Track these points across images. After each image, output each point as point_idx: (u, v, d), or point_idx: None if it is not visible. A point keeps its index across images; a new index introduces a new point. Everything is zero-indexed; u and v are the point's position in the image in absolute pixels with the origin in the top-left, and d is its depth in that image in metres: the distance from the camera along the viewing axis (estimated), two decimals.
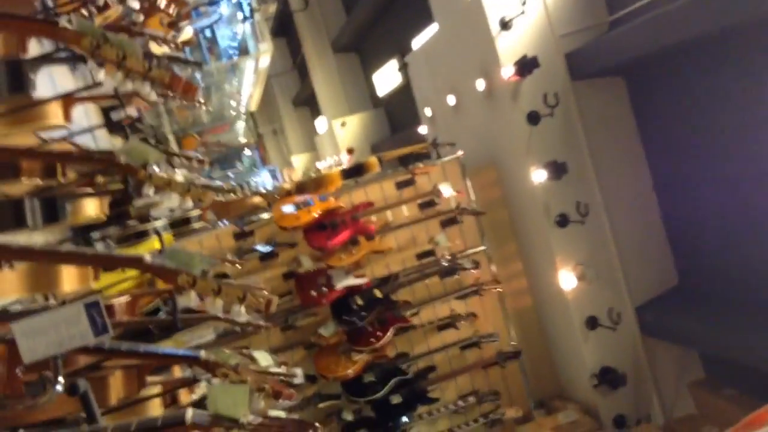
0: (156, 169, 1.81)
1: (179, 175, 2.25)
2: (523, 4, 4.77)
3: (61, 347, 1.24)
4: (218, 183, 3.00)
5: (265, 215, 4.79)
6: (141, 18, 2.67)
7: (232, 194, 3.40)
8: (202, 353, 1.54)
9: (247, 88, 15.55)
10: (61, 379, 1.46)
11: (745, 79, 4.01)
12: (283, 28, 17.56)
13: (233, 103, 17.05)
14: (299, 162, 16.97)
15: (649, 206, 5.07)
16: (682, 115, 4.61)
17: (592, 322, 4.92)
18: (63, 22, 1.33)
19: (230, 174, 17.62)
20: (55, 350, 1.24)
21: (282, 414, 2.00)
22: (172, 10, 3.20)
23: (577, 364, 5.14)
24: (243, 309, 1.35)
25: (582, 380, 5.06)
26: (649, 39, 4.14)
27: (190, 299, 1.37)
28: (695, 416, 4.89)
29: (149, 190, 1.76)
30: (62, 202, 2.69)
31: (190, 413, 1.16)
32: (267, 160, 20.46)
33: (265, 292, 1.39)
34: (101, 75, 1.41)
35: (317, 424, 1.49)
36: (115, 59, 1.33)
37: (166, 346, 2.71)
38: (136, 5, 2.83)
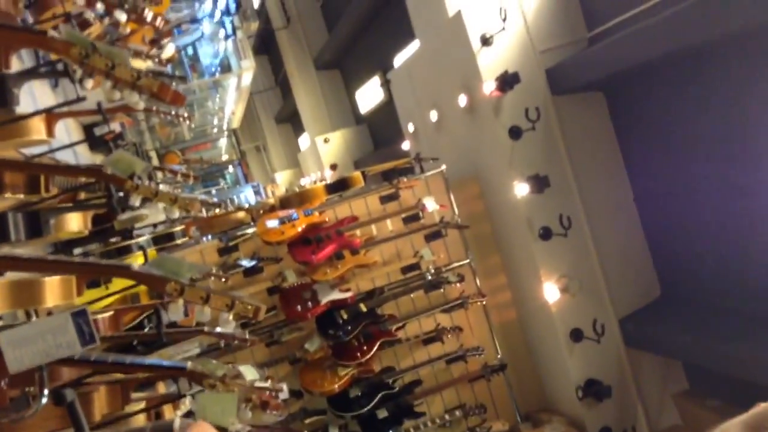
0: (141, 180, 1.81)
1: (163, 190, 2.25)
2: (504, 20, 4.83)
3: (48, 357, 1.23)
4: (202, 197, 3.00)
5: (249, 230, 4.78)
6: (127, 30, 2.68)
7: (216, 208, 3.39)
8: (189, 364, 1.53)
9: (230, 105, 15.56)
10: (46, 391, 1.45)
11: (723, 93, 4.09)
12: (265, 46, 17.61)
13: (216, 120, 17.03)
14: (282, 178, 16.97)
15: (631, 218, 5.13)
16: (662, 128, 4.69)
17: (576, 335, 4.94)
18: (51, 32, 1.33)
19: (213, 191, 17.56)
20: (41, 360, 1.23)
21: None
22: (158, 23, 3.20)
23: (562, 377, 5.16)
24: (231, 317, 1.35)
25: (567, 392, 5.08)
26: (627, 54, 4.20)
27: (178, 308, 1.37)
28: (680, 427, 4.92)
29: (136, 201, 1.76)
30: (45, 216, 2.67)
31: (177, 423, 1.16)
32: (250, 177, 20.42)
33: (255, 302, 1.39)
34: (87, 86, 1.41)
35: None
36: (104, 69, 1.34)
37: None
38: (123, 18, 2.84)
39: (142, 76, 1.35)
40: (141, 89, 1.36)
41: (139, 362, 1.61)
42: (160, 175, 4.38)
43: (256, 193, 14.76)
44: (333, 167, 12.28)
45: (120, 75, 1.34)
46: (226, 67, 12.46)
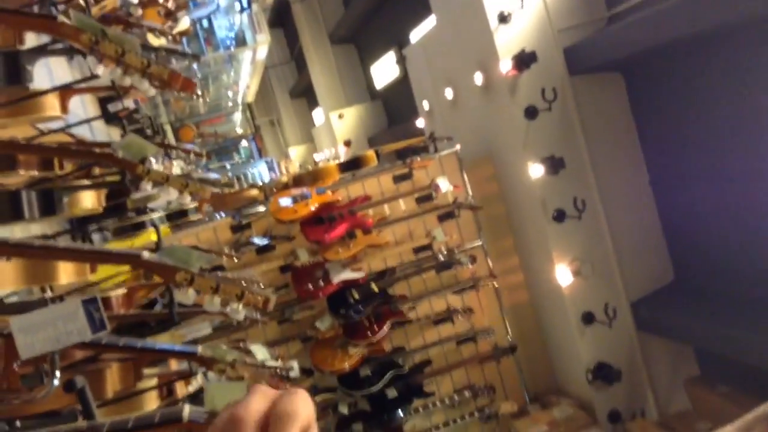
0: (153, 162, 1.80)
1: (176, 167, 2.24)
2: None
3: (59, 344, 1.24)
4: (215, 176, 2.99)
5: (262, 208, 4.78)
6: (139, 12, 2.65)
7: (229, 188, 3.39)
8: (200, 349, 1.54)
9: (245, 79, 15.51)
10: (57, 373, 1.46)
11: (742, 76, 4.01)
12: (280, 19, 17.49)
13: (230, 94, 17.00)
14: (296, 153, 16.96)
15: (646, 202, 5.07)
16: (680, 111, 4.61)
17: (587, 318, 4.93)
18: (62, 17, 1.32)
19: (227, 165, 17.58)
20: (52, 347, 1.24)
21: None
22: (170, 2, 3.18)
23: (572, 359, 5.16)
24: (240, 308, 1.35)
25: (577, 375, 5.08)
26: (647, 35, 4.13)
27: (188, 297, 1.37)
28: (690, 412, 4.92)
29: (147, 186, 1.76)
30: (59, 194, 2.68)
31: (187, 410, 1.16)
32: (264, 152, 20.42)
33: (264, 290, 1.38)
34: (100, 69, 1.40)
35: None
36: (114, 55, 1.32)
37: (163, 340, 2.71)
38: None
39: (152, 63, 1.34)
40: (151, 76, 1.35)
41: (150, 346, 1.62)
42: (174, 152, 4.38)
43: (270, 168, 14.76)
44: (347, 143, 12.25)
45: (130, 62, 1.33)
46: (241, 41, 12.39)
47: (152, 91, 1.42)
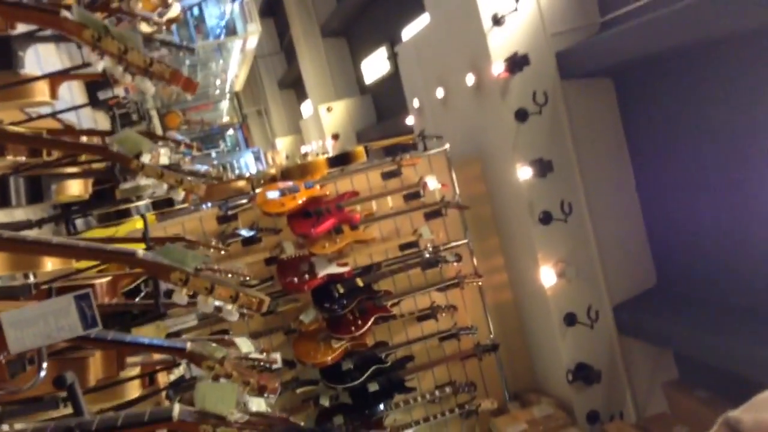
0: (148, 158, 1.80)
1: (163, 156, 2.23)
2: (517, 0, 4.76)
3: (49, 339, 1.23)
4: (205, 168, 2.98)
5: (244, 199, 4.75)
6: (140, 6, 2.63)
7: (219, 180, 3.37)
8: (188, 345, 1.54)
9: (233, 68, 15.43)
10: (44, 365, 1.46)
11: (731, 88, 4.06)
12: (271, 8, 17.38)
13: (218, 82, 16.90)
14: (283, 144, 16.89)
15: (632, 207, 5.12)
16: (668, 119, 4.66)
17: (570, 319, 4.97)
18: (64, 12, 1.31)
19: (213, 153, 17.47)
20: (42, 342, 1.23)
21: (262, 401, 2.01)
22: None
23: (553, 360, 5.20)
24: (234, 309, 1.35)
25: (558, 375, 5.12)
26: (639, 43, 4.16)
27: (182, 297, 1.37)
28: (667, 415, 4.98)
29: (141, 181, 1.75)
30: (47, 180, 2.66)
31: (177, 409, 1.16)
32: (250, 141, 20.32)
33: (258, 292, 1.38)
34: (101, 63, 1.39)
35: (301, 424, 1.50)
36: (116, 52, 1.31)
37: (148, 331, 2.70)
38: None
39: (154, 62, 1.33)
40: (153, 75, 1.34)
41: (139, 341, 1.62)
42: (161, 142, 4.34)
43: (257, 158, 14.68)
44: (335, 137, 12.23)
45: (132, 60, 1.32)
46: (231, 30, 12.32)
47: (152, 90, 1.41)
